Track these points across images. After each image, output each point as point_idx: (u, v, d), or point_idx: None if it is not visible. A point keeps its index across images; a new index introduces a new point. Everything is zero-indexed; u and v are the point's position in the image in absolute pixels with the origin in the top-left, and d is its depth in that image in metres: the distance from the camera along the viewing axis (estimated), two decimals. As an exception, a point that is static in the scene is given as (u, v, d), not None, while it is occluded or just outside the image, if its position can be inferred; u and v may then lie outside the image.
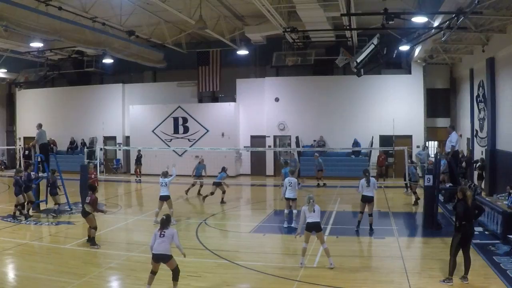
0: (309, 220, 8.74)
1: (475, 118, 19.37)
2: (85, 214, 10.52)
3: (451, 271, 7.83)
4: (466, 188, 8.30)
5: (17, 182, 13.51)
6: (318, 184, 20.36)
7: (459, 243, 7.88)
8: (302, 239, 8.99)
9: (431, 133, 23.90)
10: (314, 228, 8.74)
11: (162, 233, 7.27)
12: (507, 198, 11.70)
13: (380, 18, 14.61)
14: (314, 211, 8.76)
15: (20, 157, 26.94)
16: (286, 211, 12.50)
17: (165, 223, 7.41)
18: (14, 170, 15.28)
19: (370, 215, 11.78)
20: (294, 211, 12.30)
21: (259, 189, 22.03)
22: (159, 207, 12.82)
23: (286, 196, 12.34)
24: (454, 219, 8.22)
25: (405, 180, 17.00)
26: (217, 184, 16.29)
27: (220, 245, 10.71)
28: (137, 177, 23.25)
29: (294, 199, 12.37)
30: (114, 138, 27.62)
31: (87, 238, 10.69)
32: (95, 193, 10.64)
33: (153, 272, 7.40)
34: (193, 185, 17.96)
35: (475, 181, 17.57)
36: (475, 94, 19.31)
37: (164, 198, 12.72)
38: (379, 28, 15.96)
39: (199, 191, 18.12)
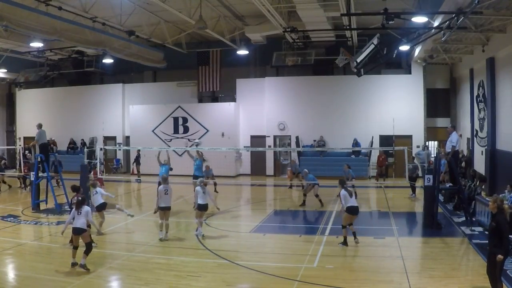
0: None
1: (475, 118, 19.35)
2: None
3: None
4: (499, 199, 7.00)
5: None
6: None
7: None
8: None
9: (431, 133, 23.88)
10: None
11: (80, 211, 8.84)
12: (508, 198, 11.68)
13: (380, 18, 14.58)
14: None
15: (20, 157, 26.90)
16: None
17: (80, 203, 8.98)
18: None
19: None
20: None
21: (259, 189, 22.01)
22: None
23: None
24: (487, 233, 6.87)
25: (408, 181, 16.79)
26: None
27: (220, 245, 10.68)
28: (138, 177, 23.25)
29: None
30: (114, 138, 27.62)
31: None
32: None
33: (75, 247, 8.75)
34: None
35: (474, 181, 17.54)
36: (475, 94, 19.30)
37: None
38: (379, 28, 15.93)
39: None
